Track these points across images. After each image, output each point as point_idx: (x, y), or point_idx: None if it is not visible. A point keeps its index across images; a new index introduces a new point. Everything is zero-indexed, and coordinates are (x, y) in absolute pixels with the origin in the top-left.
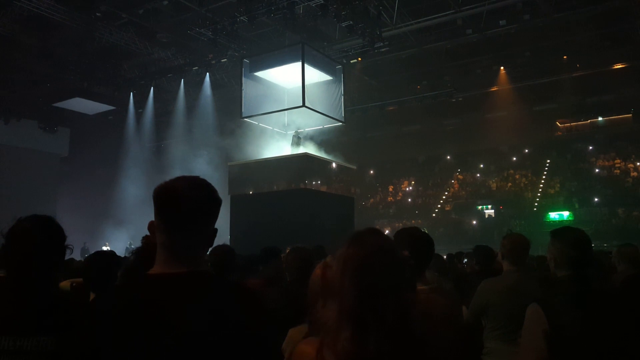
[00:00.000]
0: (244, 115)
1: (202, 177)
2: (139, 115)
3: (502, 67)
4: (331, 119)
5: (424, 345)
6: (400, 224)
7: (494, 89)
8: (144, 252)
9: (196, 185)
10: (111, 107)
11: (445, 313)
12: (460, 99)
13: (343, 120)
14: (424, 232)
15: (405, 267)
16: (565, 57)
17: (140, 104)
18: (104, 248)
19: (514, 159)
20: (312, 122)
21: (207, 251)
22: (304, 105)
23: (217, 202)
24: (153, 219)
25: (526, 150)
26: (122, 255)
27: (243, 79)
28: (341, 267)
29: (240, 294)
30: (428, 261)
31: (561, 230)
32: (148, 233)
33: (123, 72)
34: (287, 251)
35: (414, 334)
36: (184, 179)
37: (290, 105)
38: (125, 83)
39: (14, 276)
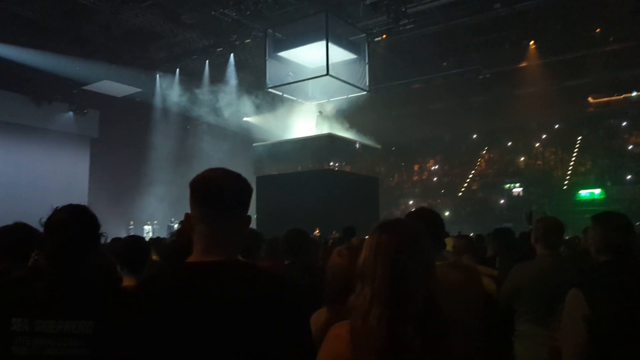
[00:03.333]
0: (268, 86)
1: (228, 157)
2: (166, 96)
3: (531, 42)
4: (355, 93)
5: (450, 326)
6: (426, 204)
7: (523, 64)
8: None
9: (230, 175)
10: (138, 89)
11: (458, 284)
12: (488, 75)
13: (367, 89)
14: (433, 211)
15: (432, 252)
16: (598, 30)
17: (166, 85)
18: (130, 227)
19: (544, 136)
20: (336, 94)
21: (242, 238)
22: (327, 73)
23: (250, 191)
24: (179, 200)
25: (556, 127)
26: (165, 234)
27: (267, 49)
28: (373, 253)
29: (277, 282)
30: (442, 238)
31: (603, 215)
32: (182, 218)
33: (149, 55)
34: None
35: (441, 315)
36: (218, 170)
37: (315, 79)
38: (152, 65)
39: (53, 264)
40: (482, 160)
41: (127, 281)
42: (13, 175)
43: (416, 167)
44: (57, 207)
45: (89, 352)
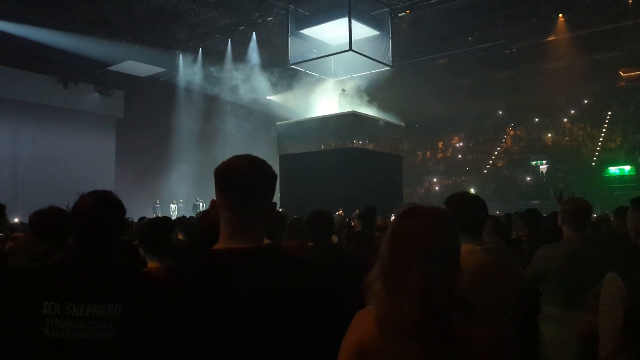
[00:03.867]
0: (291, 62)
1: (251, 135)
2: (188, 75)
3: (560, 15)
4: (378, 69)
5: (468, 310)
6: (450, 181)
7: (551, 38)
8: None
9: (254, 163)
10: (162, 69)
11: (494, 272)
12: (515, 50)
13: (391, 63)
14: (475, 195)
15: (451, 232)
16: (630, 0)
17: (189, 64)
18: (156, 206)
19: (572, 111)
20: (359, 70)
21: (267, 224)
22: (350, 49)
23: (274, 178)
24: (203, 178)
25: (585, 102)
26: (191, 212)
27: (289, 25)
28: (390, 236)
29: (302, 269)
30: (481, 223)
31: None
32: (206, 196)
33: (172, 34)
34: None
35: (457, 299)
36: (242, 157)
37: (337, 55)
38: (175, 45)
39: (80, 248)
40: (507, 137)
41: (151, 263)
42: (42, 156)
43: (440, 144)
44: (83, 192)
45: (118, 335)
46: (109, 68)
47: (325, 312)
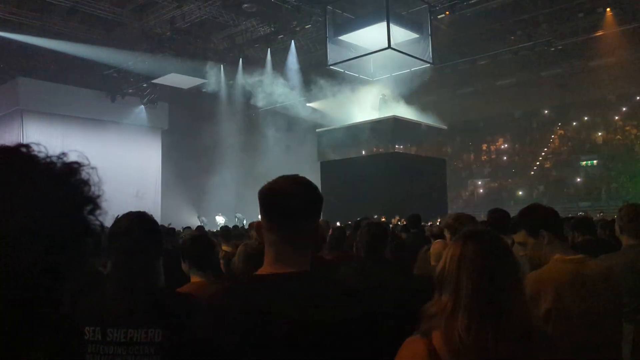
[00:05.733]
0: (329, 63)
1: (292, 143)
2: (230, 86)
3: (608, 9)
4: (417, 67)
5: (542, 335)
6: (496, 184)
7: (599, 33)
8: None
9: (298, 184)
10: (203, 80)
11: (584, 283)
12: (560, 47)
13: (431, 61)
14: (547, 207)
15: (517, 264)
16: None
17: (230, 75)
18: (202, 219)
19: (624, 109)
20: (399, 69)
21: (312, 246)
22: (389, 47)
23: (319, 200)
24: (245, 189)
25: (638, 99)
26: (232, 224)
27: (327, 26)
28: (457, 261)
29: (349, 295)
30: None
31: None
32: (246, 209)
33: (213, 46)
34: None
35: (532, 325)
36: (287, 179)
37: (375, 56)
38: (215, 56)
39: (118, 272)
40: (555, 137)
41: (195, 278)
42: (94, 166)
43: (484, 147)
44: (118, 215)
45: (162, 359)
46: (154, 81)
47: (371, 341)
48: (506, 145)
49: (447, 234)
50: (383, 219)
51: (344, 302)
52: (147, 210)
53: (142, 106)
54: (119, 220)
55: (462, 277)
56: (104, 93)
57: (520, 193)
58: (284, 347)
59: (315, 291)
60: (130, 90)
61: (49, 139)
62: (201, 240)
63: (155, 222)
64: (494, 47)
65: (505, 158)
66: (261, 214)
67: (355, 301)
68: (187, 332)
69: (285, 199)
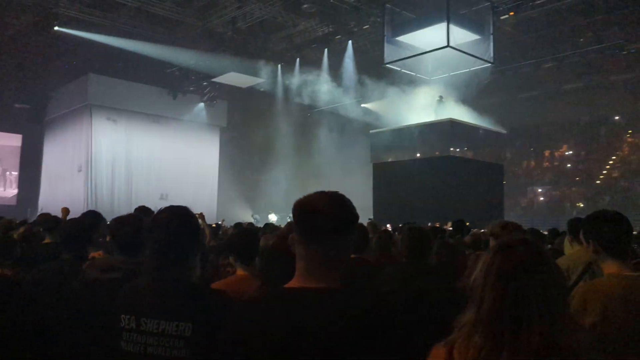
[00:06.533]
0: (386, 62)
1: (346, 144)
2: (286, 86)
3: None
4: (477, 66)
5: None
6: (557, 192)
7: None
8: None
9: (334, 201)
10: (261, 80)
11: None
12: (633, 50)
13: (492, 60)
14: (616, 212)
15: (554, 279)
16: None
17: (286, 75)
18: (255, 216)
19: None
20: (457, 68)
21: (343, 264)
22: (448, 45)
23: (354, 218)
24: (298, 188)
25: None
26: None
27: (384, 25)
28: (484, 274)
29: (375, 316)
30: (625, 243)
31: None
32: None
33: (271, 46)
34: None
35: (560, 346)
36: (322, 195)
37: (433, 56)
38: (274, 56)
39: (154, 264)
40: (625, 145)
41: (240, 271)
42: (155, 162)
43: (547, 153)
44: (160, 208)
45: (189, 354)
46: (213, 79)
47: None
48: (570, 152)
49: (492, 243)
50: (437, 225)
51: (362, 323)
52: (203, 206)
53: (202, 104)
54: (159, 213)
55: (486, 291)
56: (166, 90)
57: (582, 205)
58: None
59: (337, 310)
60: (191, 88)
61: (114, 133)
62: (246, 235)
63: (193, 217)
64: (560, 50)
65: (569, 165)
66: (294, 228)
67: (375, 321)
68: (216, 329)
69: (316, 215)
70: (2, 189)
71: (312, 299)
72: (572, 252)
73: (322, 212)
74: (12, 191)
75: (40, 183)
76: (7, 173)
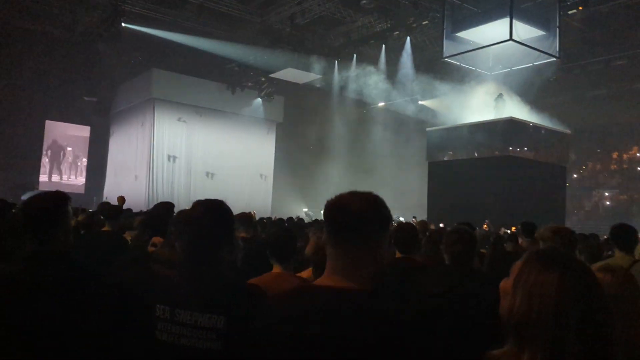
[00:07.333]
0: (445, 56)
1: (402, 141)
2: (343, 82)
3: None
4: (541, 60)
5: None
6: (625, 196)
7: None
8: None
9: (365, 202)
10: (318, 76)
11: None
12: None
13: (557, 54)
14: None
15: (601, 295)
16: None
17: (344, 71)
18: (309, 212)
19: None
20: (519, 63)
21: (375, 267)
22: (510, 38)
23: (386, 219)
24: (353, 185)
25: None
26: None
27: (444, 19)
28: (539, 305)
29: (401, 320)
30: None
31: None
32: None
33: (329, 42)
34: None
35: None
36: (353, 195)
37: (494, 50)
38: (331, 52)
39: (186, 255)
40: None
41: (277, 268)
42: (213, 156)
43: (615, 155)
44: (197, 200)
45: (222, 346)
46: (271, 75)
47: None
48: None
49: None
50: (485, 227)
51: (382, 326)
52: (259, 201)
53: (260, 99)
54: (195, 205)
55: (568, 328)
56: (225, 85)
57: None
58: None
59: (360, 312)
60: (249, 84)
61: (175, 126)
62: (283, 234)
63: (228, 211)
64: (633, 47)
65: (639, 169)
66: (325, 227)
67: (399, 326)
68: (249, 322)
69: (345, 214)
70: (73, 176)
71: (340, 297)
72: None
73: (349, 211)
74: (82, 179)
75: (106, 174)
76: (79, 162)
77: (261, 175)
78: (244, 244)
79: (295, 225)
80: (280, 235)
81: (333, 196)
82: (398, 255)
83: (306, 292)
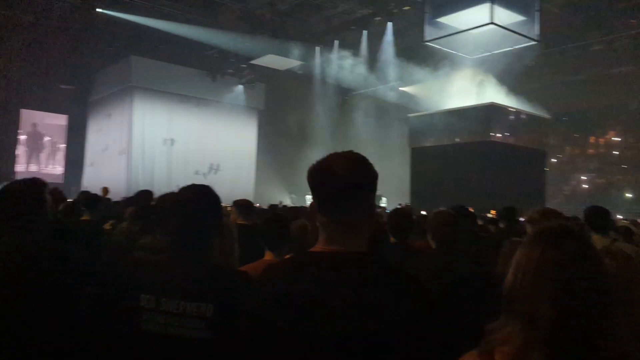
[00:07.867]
0: (425, 39)
1: (383, 127)
2: (324, 68)
3: None
4: (521, 44)
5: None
6: (603, 180)
7: None
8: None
9: (350, 161)
10: (299, 62)
11: None
12: None
13: (537, 38)
14: None
15: (611, 279)
16: None
17: (325, 57)
18: (292, 196)
19: None
20: (500, 47)
21: (367, 226)
22: (492, 22)
23: (372, 176)
24: None
25: None
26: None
27: (425, 5)
28: (533, 274)
29: (401, 282)
30: None
31: None
32: None
33: (310, 28)
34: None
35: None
36: (337, 156)
37: (475, 35)
38: (312, 38)
39: (174, 242)
40: None
41: (268, 255)
42: (193, 143)
43: (592, 139)
44: (181, 186)
45: (210, 335)
46: (252, 62)
47: (421, 338)
48: (618, 139)
49: (529, 231)
50: (493, 213)
51: (397, 290)
52: (241, 187)
53: (241, 86)
54: (181, 191)
55: (542, 297)
56: (206, 72)
57: (630, 195)
58: (330, 326)
59: (363, 274)
60: (229, 71)
61: (155, 114)
62: (275, 220)
63: (216, 197)
64: (610, 32)
65: (615, 153)
66: (312, 194)
67: (410, 292)
68: (238, 310)
69: (330, 177)
70: (51, 165)
71: (339, 259)
72: None
73: (337, 173)
74: (60, 169)
75: (85, 163)
76: (57, 152)
77: (243, 163)
78: (243, 230)
79: (291, 211)
80: (272, 221)
81: (314, 161)
82: (392, 240)
83: (301, 260)
